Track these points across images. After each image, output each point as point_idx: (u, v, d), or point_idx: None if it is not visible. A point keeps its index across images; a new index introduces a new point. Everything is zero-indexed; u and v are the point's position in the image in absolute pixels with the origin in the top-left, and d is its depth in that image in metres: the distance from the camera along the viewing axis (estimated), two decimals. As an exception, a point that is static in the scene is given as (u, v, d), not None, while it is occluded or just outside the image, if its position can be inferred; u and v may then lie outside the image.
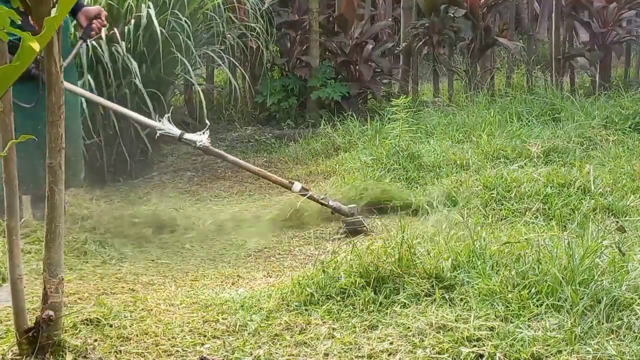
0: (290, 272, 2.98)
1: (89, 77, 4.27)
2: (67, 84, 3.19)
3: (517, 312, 2.20)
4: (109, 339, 2.15)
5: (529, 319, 2.15)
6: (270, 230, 3.58)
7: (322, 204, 3.49)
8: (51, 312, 1.95)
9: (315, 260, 2.69)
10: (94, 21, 3.39)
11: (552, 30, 6.68)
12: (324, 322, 2.28)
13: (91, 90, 4.12)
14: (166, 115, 3.51)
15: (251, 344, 2.14)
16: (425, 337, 2.12)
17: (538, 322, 2.14)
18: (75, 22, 3.52)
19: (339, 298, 2.41)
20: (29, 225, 3.28)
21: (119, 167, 4.71)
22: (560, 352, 2.00)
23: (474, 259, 2.53)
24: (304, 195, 3.45)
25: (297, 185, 3.48)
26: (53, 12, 1.60)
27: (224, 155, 3.59)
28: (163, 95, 4.86)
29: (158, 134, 3.48)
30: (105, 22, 3.46)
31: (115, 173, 4.72)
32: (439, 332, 2.14)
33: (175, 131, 3.47)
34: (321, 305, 2.37)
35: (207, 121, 3.62)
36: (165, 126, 3.47)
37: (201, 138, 3.44)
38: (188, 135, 3.48)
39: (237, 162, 3.62)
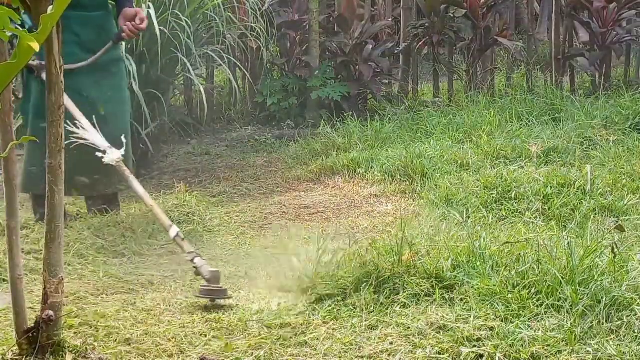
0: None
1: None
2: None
3: (517, 312, 2.20)
4: (109, 339, 2.15)
5: (529, 319, 2.15)
6: None
7: (188, 259, 2.75)
8: (51, 312, 1.95)
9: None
10: (127, 23, 3.39)
11: (552, 30, 6.68)
12: (324, 322, 2.28)
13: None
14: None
15: (252, 344, 2.14)
16: (425, 337, 2.12)
17: (538, 322, 2.14)
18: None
19: (339, 298, 2.42)
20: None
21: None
22: (560, 352, 2.00)
23: (474, 259, 2.53)
24: (176, 241, 2.83)
25: (173, 230, 2.83)
26: (49, 9, 1.60)
27: (131, 182, 3.03)
28: (163, 95, 4.86)
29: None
30: (142, 26, 3.42)
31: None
32: (439, 332, 2.14)
33: (104, 144, 3.06)
34: (321, 306, 2.37)
35: (123, 139, 3.22)
36: (91, 136, 3.08)
37: (117, 156, 3.03)
38: (109, 153, 3.03)
39: (138, 192, 3.00)
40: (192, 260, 2.70)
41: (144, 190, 3.03)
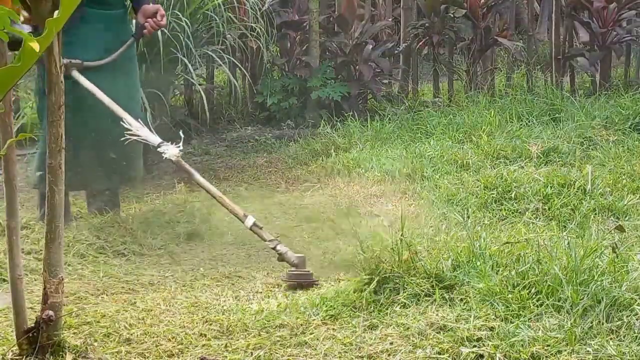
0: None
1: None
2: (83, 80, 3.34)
3: (517, 312, 2.20)
4: (109, 339, 2.15)
5: (529, 319, 2.15)
6: None
7: (271, 247, 2.94)
8: (51, 312, 1.95)
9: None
10: (149, 20, 3.42)
11: (552, 30, 6.68)
12: (324, 323, 2.28)
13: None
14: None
15: (252, 344, 2.14)
16: (425, 337, 2.12)
17: (538, 322, 2.14)
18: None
19: (339, 298, 2.41)
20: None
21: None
22: (560, 352, 2.00)
23: (474, 259, 2.53)
24: (253, 231, 2.98)
25: (249, 220, 2.98)
26: (56, 13, 1.60)
27: (192, 174, 3.14)
28: (163, 95, 4.86)
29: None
30: (162, 22, 3.47)
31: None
32: (439, 332, 2.14)
33: (155, 140, 3.19)
34: (321, 306, 2.37)
35: (181, 133, 3.29)
36: (143, 133, 3.21)
37: (176, 152, 3.12)
38: (164, 147, 3.16)
39: (203, 184, 3.11)
40: (274, 248, 2.89)
41: (209, 183, 3.15)
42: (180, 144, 3.15)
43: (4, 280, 2.62)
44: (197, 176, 3.12)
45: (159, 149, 3.14)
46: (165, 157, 3.12)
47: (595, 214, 3.45)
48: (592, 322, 2.12)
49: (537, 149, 4.44)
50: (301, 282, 2.73)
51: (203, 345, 2.15)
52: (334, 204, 3.98)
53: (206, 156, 5.45)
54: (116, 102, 3.33)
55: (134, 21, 3.66)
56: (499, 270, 2.42)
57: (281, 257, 2.88)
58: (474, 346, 2.04)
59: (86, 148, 3.46)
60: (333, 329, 2.23)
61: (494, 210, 3.60)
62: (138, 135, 3.15)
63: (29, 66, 1.55)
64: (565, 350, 2.00)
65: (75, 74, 3.34)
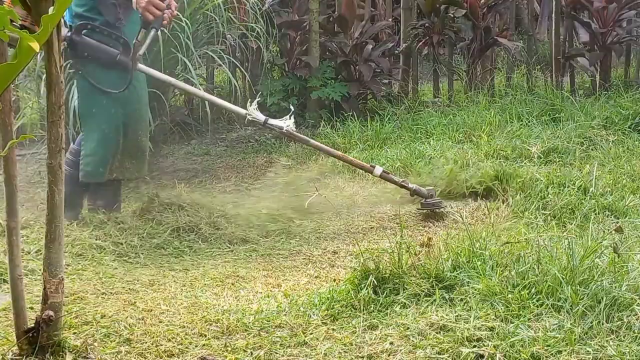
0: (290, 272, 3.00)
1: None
2: (153, 71, 3.64)
3: (517, 312, 2.20)
4: (109, 339, 2.15)
5: (529, 319, 2.15)
6: None
7: (402, 186, 3.67)
8: (51, 312, 1.95)
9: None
10: (166, 10, 3.49)
11: (552, 30, 6.68)
12: (323, 323, 2.28)
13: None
14: (254, 102, 3.65)
15: (251, 344, 2.14)
16: (425, 337, 2.12)
17: (538, 322, 2.14)
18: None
19: (339, 298, 2.42)
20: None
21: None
22: (560, 352, 2.00)
23: (474, 259, 2.53)
24: (383, 177, 3.63)
25: (378, 169, 3.62)
26: (50, 10, 1.60)
27: (307, 140, 3.79)
28: (163, 95, 4.86)
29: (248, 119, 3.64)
30: (176, 12, 3.60)
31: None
32: (439, 332, 2.14)
33: (261, 117, 3.62)
34: (320, 306, 2.37)
35: (291, 107, 3.87)
36: (252, 112, 3.63)
37: (287, 123, 3.59)
38: (272, 121, 3.63)
39: (320, 147, 3.80)
40: (406, 187, 3.61)
41: (324, 145, 3.84)
42: (290, 118, 3.63)
43: (4, 280, 2.62)
44: (313, 141, 3.78)
45: (282, 123, 3.60)
46: (279, 130, 3.61)
47: (595, 214, 3.45)
48: (592, 322, 2.12)
49: (537, 149, 4.44)
50: (434, 209, 3.57)
51: (203, 345, 2.15)
52: (334, 204, 3.99)
53: (206, 156, 5.45)
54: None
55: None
56: (499, 271, 2.43)
57: (414, 192, 3.63)
58: (474, 346, 2.04)
59: (132, 139, 3.64)
60: (333, 329, 2.23)
61: (494, 210, 3.60)
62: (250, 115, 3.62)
63: (25, 63, 1.55)
64: (565, 350, 2.00)
65: (143, 67, 3.57)
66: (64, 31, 3.34)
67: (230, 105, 3.84)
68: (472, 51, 6.54)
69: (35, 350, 1.96)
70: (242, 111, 3.68)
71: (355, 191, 4.23)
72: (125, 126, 3.58)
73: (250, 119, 3.61)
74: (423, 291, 2.38)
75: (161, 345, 2.14)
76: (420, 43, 6.77)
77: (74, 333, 2.16)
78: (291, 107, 3.86)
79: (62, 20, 2.21)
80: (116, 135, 3.56)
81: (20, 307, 1.97)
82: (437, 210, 3.59)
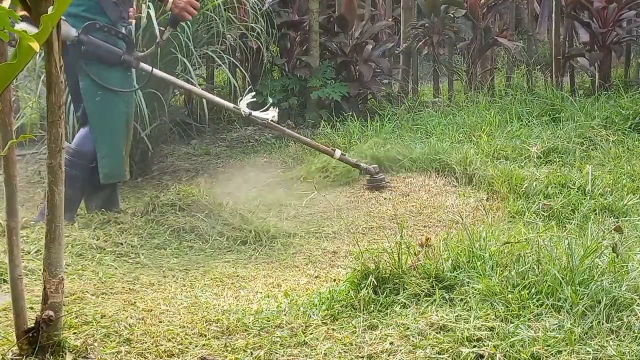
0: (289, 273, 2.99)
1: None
2: (156, 71, 3.74)
3: (517, 312, 2.20)
4: (109, 339, 2.15)
5: (529, 319, 2.15)
6: None
7: (356, 166, 4.21)
8: (51, 312, 1.95)
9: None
10: (188, 7, 3.53)
11: (552, 30, 6.68)
12: (323, 323, 2.28)
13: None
14: (245, 97, 3.96)
15: (251, 344, 2.14)
16: (425, 337, 2.12)
17: (538, 322, 2.14)
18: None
19: (339, 298, 2.41)
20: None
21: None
22: (560, 352, 2.00)
23: (474, 259, 2.53)
24: (341, 159, 4.16)
25: (337, 153, 4.15)
26: (50, 9, 1.60)
27: (283, 130, 4.26)
28: (163, 95, 4.86)
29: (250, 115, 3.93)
30: (194, 11, 3.60)
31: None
32: (439, 332, 2.14)
33: (246, 110, 3.93)
34: (320, 306, 2.37)
35: (270, 99, 4.36)
36: (240, 106, 3.93)
37: (272, 114, 3.95)
38: (256, 113, 3.94)
39: (292, 134, 4.32)
40: (358, 165, 4.22)
41: (296, 133, 4.45)
42: (273, 110, 3.99)
43: (4, 280, 2.62)
44: (288, 131, 4.34)
45: (265, 115, 3.93)
46: (263, 121, 3.96)
47: (595, 214, 3.45)
48: (592, 323, 2.12)
49: (537, 149, 4.44)
50: (379, 184, 4.18)
51: (203, 345, 2.15)
52: (334, 204, 3.99)
53: (206, 156, 5.45)
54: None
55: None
56: (499, 271, 2.42)
57: (364, 170, 4.21)
58: (474, 346, 2.04)
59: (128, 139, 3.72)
60: (333, 329, 2.23)
61: (494, 210, 3.60)
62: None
63: (25, 63, 1.55)
64: (565, 350, 2.00)
65: (146, 67, 3.65)
66: (73, 32, 3.34)
67: (219, 99, 4.10)
68: (472, 51, 6.55)
69: (35, 350, 1.96)
70: (231, 105, 3.95)
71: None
72: (127, 125, 3.64)
73: (236, 111, 3.96)
74: (423, 291, 2.37)
75: (161, 345, 2.14)
76: (420, 43, 6.78)
77: (74, 333, 2.16)
78: (270, 99, 4.27)
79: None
80: (127, 133, 3.64)
81: (20, 307, 1.97)
82: (381, 185, 4.20)
